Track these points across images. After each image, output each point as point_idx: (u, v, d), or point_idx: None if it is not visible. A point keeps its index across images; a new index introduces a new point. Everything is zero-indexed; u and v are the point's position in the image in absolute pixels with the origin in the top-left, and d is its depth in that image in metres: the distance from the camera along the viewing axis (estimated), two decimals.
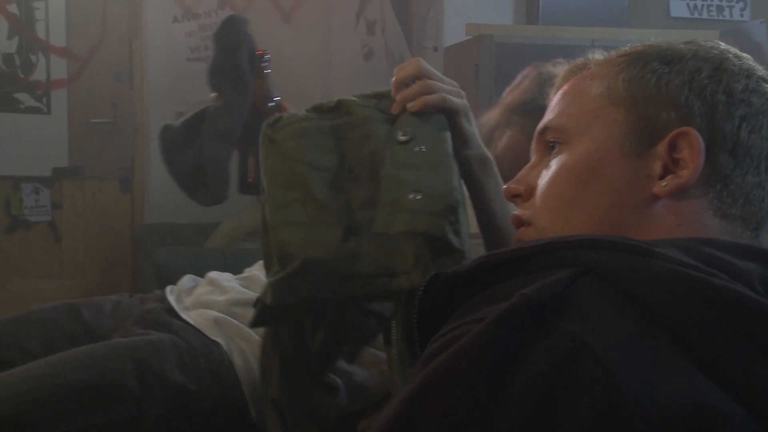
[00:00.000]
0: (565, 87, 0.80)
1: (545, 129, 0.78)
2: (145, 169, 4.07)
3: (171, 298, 1.47)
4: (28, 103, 3.98)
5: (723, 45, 0.75)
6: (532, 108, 1.34)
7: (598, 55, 0.79)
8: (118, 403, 1.21)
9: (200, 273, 2.98)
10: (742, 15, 3.09)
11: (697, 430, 0.50)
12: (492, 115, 1.49)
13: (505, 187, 0.81)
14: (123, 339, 1.33)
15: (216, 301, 1.41)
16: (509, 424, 0.51)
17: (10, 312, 4.11)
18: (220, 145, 1.31)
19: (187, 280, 1.53)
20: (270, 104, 1.34)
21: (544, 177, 0.76)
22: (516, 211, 0.80)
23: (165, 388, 1.23)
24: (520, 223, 0.78)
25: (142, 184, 4.09)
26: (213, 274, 1.51)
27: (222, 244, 3.45)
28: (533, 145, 0.81)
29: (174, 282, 2.73)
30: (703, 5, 3.09)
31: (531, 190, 0.78)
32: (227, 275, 1.52)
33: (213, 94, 1.35)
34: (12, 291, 4.01)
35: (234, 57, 1.32)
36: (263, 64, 1.35)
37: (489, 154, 1.06)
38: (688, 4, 3.08)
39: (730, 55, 0.73)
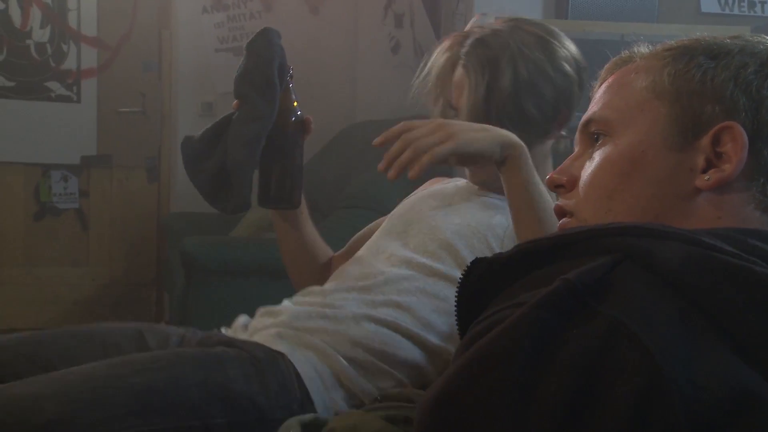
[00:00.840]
0: (609, 79, 0.81)
1: (589, 121, 0.79)
2: (172, 159, 4.11)
3: (228, 333, 1.44)
4: (59, 91, 4.03)
5: None
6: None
7: (643, 49, 0.80)
8: (178, 410, 1.16)
9: (226, 261, 3.01)
10: None
11: (735, 412, 0.51)
12: None
13: (548, 177, 0.82)
14: (187, 349, 1.30)
15: (273, 322, 1.38)
16: (550, 404, 0.52)
17: (38, 297, 4.15)
18: (245, 153, 1.31)
19: (242, 320, 1.48)
20: (292, 118, 1.37)
21: (588, 168, 0.78)
22: (558, 201, 0.81)
23: (228, 398, 1.19)
24: (563, 213, 0.80)
25: (168, 174, 4.13)
26: (264, 308, 1.47)
27: (248, 233, 3.47)
28: (576, 136, 0.82)
29: (199, 269, 2.76)
30: (734, 1, 3.06)
31: (574, 181, 0.79)
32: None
33: (235, 102, 1.36)
34: (40, 277, 4.07)
35: (266, 68, 1.33)
36: (289, 79, 1.38)
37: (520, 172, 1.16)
38: (719, 0, 3.06)
39: None
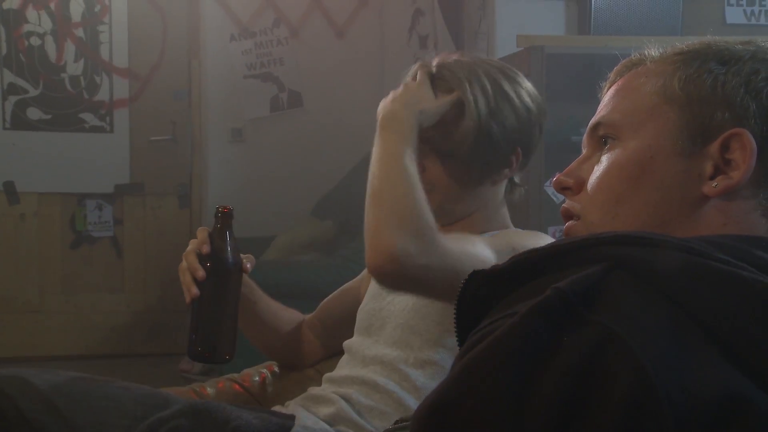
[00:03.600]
0: (619, 82, 0.80)
1: (598, 124, 0.79)
2: (202, 185, 4.17)
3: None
4: (92, 122, 4.12)
5: None
6: None
7: (653, 52, 0.79)
8: None
9: (258, 284, 3.05)
10: None
11: (726, 418, 0.51)
12: None
13: (554, 179, 0.82)
14: None
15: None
16: (542, 412, 0.52)
17: (76, 324, 4.18)
18: None
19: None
20: (226, 266, 1.32)
21: (596, 172, 0.77)
22: (565, 203, 0.80)
23: None
24: (570, 216, 0.79)
25: (199, 200, 4.19)
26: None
27: (278, 257, 3.51)
28: (584, 139, 0.82)
29: None
30: (760, 11, 3.03)
31: (581, 184, 0.79)
32: None
33: None
34: (76, 305, 4.14)
35: None
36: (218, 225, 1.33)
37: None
38: (744, 11, 3.03)
39: None
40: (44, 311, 4.09)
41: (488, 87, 1.28)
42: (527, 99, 1.30)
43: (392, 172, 1.17)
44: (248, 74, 4.13)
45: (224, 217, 1.33)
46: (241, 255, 1.34)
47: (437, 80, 1.29)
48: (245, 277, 1.45)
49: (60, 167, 4.09)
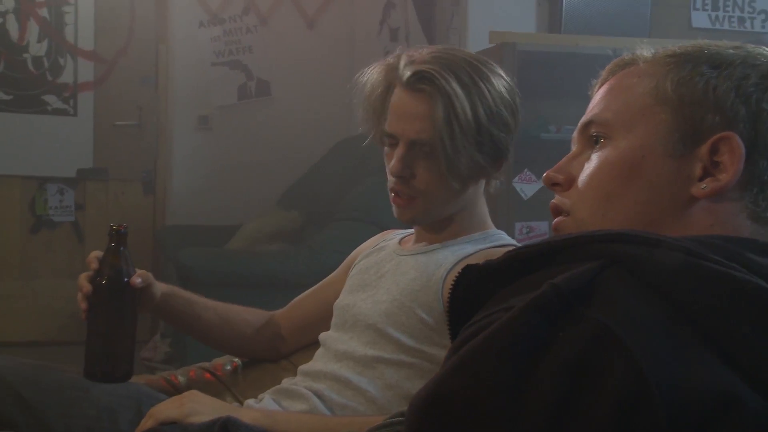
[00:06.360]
0: (611, 81, 0.81)
1: (589, 122, 0.80)
2: (167, 172, 4.12)
3: None
4: (56, 105, 4.05)
5: None
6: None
7: (645, 52, 0.80)
8: None
9: (222, 273, 3.01)
10: (763, 27, 3.10)
11: (717, 415, 0.52)
12: None
13: (545, 174, 0.82)
14: None
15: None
16: (537, 406, 0.54)
17: (34, 310, 4.09)
18: None
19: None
20: (121, 284, 1.30)
21: (587, 169, 0.78)
22: (555, 199, 0.81)
23: None
24: (558, 212, 0.81)
25: (164, 187, 4.14)
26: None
27: (244, 245, 3.49)
28: (574, 136, 0.83)
29: (196, 281, 2.76)
30: (724, 16, 3.10)
31: (571, 180, 0.80)
32: None
33: None
34: (36, 290, 4.07)
35: None
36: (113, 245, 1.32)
37: None
38: (709, 15, 3.09)
39: None
40: (2, 297, 4.01)
41: (486, 94, 1.25)
42: (511, 96, 1.30)
43: None
44: (216, 61, 4.09)
45: (116, 236, 1.32)
46: (137, 271, 1.32)
47: (414, 81, 1.26)
48: (184, 294, 1.44)
49: (21, 149, 4.01)
